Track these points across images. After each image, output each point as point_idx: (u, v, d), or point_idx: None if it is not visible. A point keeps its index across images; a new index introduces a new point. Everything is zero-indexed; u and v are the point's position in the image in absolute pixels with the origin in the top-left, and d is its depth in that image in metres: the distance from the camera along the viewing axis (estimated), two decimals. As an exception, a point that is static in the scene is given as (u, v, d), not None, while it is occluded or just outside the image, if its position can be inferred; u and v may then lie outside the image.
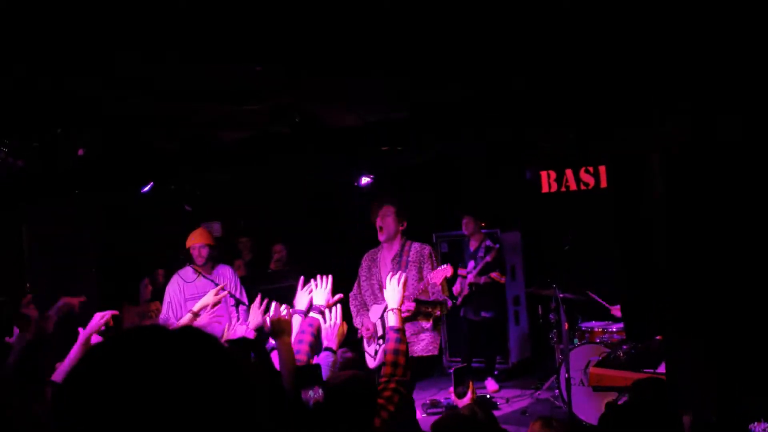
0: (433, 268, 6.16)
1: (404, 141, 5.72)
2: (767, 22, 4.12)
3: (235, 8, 3.15)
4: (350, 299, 6.50)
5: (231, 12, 3.24)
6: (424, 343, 6.30)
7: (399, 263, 6.24)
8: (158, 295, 7.99)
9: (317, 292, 4.41)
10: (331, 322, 4.31)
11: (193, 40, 3.52)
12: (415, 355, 6.14)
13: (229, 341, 3.22)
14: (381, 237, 6.34)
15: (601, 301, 7.75)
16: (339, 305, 4.33)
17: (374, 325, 6.32)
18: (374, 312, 6.39)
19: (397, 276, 4.33)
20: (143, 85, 4.21)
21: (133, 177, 5.95)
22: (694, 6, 4.01)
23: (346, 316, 4.21)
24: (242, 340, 3.64)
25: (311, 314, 4.47)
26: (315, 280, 4.43)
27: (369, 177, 8.89)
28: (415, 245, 6.31)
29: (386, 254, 6.40)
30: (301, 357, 4.11)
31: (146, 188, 6.28)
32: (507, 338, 9.30)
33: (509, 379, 9.06)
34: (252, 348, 3.04)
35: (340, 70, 4.06)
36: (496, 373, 9.00)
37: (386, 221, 6.26)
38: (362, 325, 6.39)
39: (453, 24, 3.57)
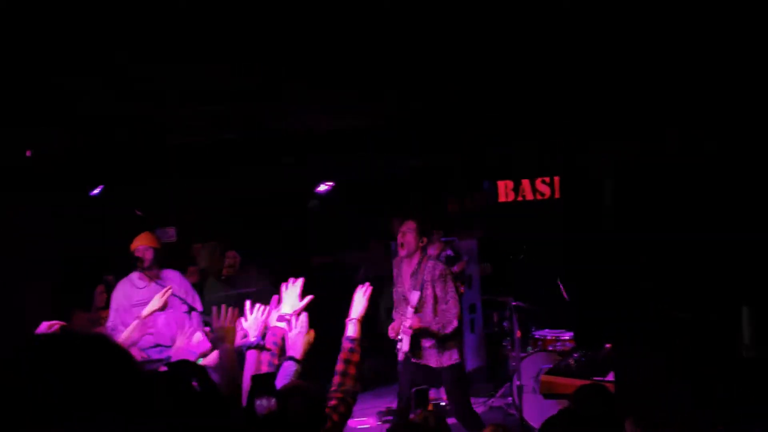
0: (445, 288, 6.29)
1: (363, 149, 5.74)
2: (698, 60, 4.25)
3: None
4: None
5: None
6: (447, 353, 6.43)
7: (416, 280, 6.35)
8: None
9: (286, 297, 4.32)
10: (297, 330, 4.28)
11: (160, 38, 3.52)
12: (444, 365, 6.37)
13: (170, 365, 3.18)
14: (402, 252, 6.40)
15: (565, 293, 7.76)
16: (305, 313, 4.25)
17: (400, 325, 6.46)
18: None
19: (363, 289, 4.33)
20: (107, 78, 4.17)
21: (82, 179, 5.88)
22: (637, 41, 4.10)
23: (314, 323, 4.18)
24: (183, 366, 3.60)
25: (275, 323, 4.43)
26: (285, 284, 4.35)
27: (328, 184, 8.91)
28: (429, 264, 6.36)
29: (407, 268, 6.45)
30: (263, 368, 4.10)
31: (96, 191, 6.20)
32: (462, 346, 9.36)
33: (464, 387, 9.10)
34: (194, 374, 2.99)
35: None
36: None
37: (407, 237, 6.32)
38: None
39: (402, 38, 3.61)
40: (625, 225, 5.01)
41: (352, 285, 4.49)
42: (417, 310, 6.29)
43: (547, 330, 7.99)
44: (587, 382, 6.26)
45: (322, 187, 8.98)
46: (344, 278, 8.61)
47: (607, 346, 6.37)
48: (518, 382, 7.09)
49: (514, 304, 7.54)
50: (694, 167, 4.88)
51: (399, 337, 6.43)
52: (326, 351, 4.31)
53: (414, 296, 6.31)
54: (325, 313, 4.84)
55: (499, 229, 9.27)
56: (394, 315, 6.66)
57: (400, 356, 6.50)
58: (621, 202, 5.02)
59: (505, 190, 9.01)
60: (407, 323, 6.28)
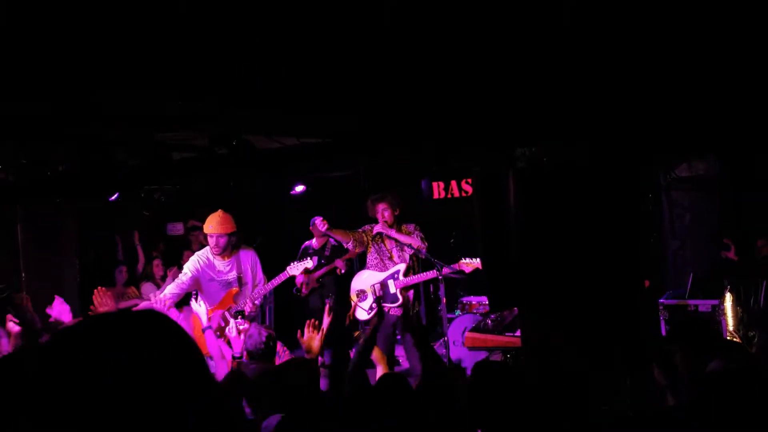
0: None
1: (322, 161, 5.62)
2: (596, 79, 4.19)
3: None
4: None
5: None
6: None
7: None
8: (133, 281, 7.82)
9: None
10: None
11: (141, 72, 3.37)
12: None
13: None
14: (379, 226, 6.37)
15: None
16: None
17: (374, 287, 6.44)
18: (374, 277, 6.45)
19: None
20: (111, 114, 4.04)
21: (102, 188, 5.71)
22: (544, 54, 3.97)
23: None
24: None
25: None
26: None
27: (302, 186, 8.79)
28: (410, 227, 6.49)
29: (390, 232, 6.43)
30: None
31: (113, 197, 6.03)
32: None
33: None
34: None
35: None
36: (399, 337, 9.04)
37: (386, 215, 6.33)
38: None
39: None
40: (524, 219, 4.97)
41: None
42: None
43: (472, 297, 8.01)
44: (501, 336, 6.28)
45: (298, 188, 8.84)
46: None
47: (515, 309, 6.40)
48: (446, 339, 7.09)
49: (443, 276, 7.51)
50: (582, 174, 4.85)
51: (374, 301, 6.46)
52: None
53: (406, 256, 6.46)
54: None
55: (434, 220, 9.25)
56: (370, 277, 6.54)
57: (362, 316, 6.51)
58: (522, 201, 4.95)
59: (437, 189, 9.01)
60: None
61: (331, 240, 8.16)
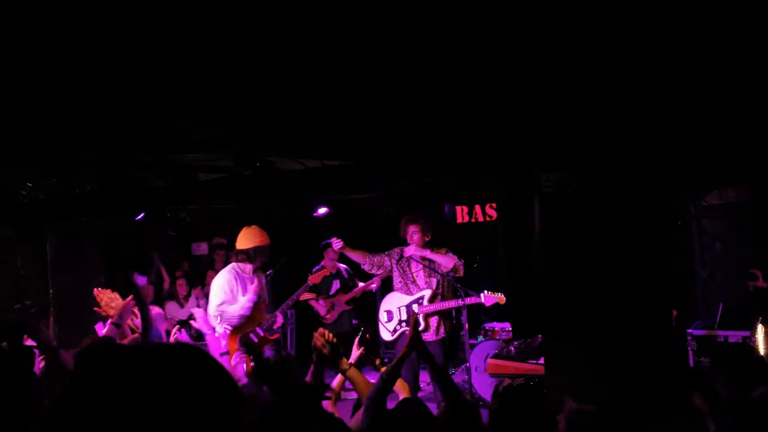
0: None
1: (345, 183, 5.62)
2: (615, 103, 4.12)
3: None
4: (370, 257, 6.49)
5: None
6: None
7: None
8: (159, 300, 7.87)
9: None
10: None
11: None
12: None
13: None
14: (411, 248, 6.34)
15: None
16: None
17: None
18: (401, 300, 6.40)
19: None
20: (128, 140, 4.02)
21: (129, 208, 5.77)
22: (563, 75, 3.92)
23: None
24: None
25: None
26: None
27: (325, 208, 8.78)
28: (437, 253, 6.41)
29: (415, 256, 6.40)
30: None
31: (139, 217, 6.09)
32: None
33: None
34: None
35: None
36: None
37: (414, 238, 6.31)
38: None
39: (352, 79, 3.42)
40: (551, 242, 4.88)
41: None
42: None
43: (495, 323, 7.89)
44: (524, 364, 6.16)
45: (321, 210, 8.82)
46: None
47: (539, 337, 6.27)
48: (469, 364, 6.99)
49: (469, 302, 7.41)
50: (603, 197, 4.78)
51: (399, 323, 6.41)
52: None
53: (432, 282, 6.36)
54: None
55: (457, 244, 9.18)
56: (394, 299, 6.47)
57: (386, 336, 6.48)
58: (548, 226, 4.87)
59: (461, 214, 8.96)
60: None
61: (341, 266, 8.06)
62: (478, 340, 7.64)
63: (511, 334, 7.41)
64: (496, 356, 6.40)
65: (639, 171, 4.57)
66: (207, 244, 9.08)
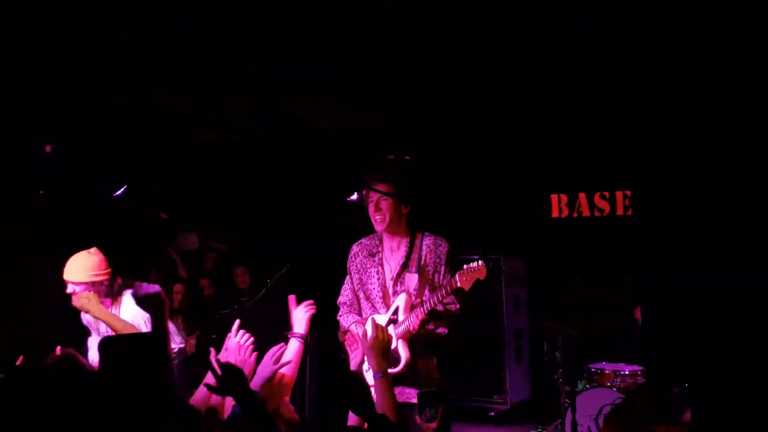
0: (450, 270, 4.95)
1: (406, 150, 5.41)
2: None
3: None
4: (340, 306, 5.39)
5: None
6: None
7: (408, 264, 5.07)
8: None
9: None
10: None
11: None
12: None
13: None
14: (378, 227, 5.11)
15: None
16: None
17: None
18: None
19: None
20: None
21: (105, 178, 5.65)
22: None
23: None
24: None
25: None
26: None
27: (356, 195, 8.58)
28: (428, 240, 5.10)
29: (389, 252, 5.19)
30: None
31: (119, 192, 5.93)
32: (505, 377, 9.01)
33: (507, 422, 8.79)
34: None
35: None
36: (492, 414, 8.76)
37: (381, 205, 5.04)
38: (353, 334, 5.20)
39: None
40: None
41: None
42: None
43: (605, 363, 7.61)
44: (659, 426, 5.92)
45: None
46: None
47: (675, 389, 6.02)
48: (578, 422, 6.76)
49: (568, 332, 7.18)
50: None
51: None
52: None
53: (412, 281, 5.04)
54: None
55: (550, 247, 8.95)
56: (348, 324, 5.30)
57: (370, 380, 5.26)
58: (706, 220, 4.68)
59: (558, 205, 8.72)
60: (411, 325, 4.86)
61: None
62: (580, 386, 7.38)
63: (627, 380, 7.16)
64: (616, 411, 6.15)
65: None
66: (196, 235, 8.99)
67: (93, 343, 5.62)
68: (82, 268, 5.34)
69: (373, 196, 5.04)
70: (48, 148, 5.45)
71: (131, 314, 5.41)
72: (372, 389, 4.54)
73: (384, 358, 4.09)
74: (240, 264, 8.77)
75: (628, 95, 4.45)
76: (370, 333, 4.27)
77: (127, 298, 5.49)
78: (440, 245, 5.06)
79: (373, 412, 3.56)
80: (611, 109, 4.78)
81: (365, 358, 4.87)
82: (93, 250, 5.41)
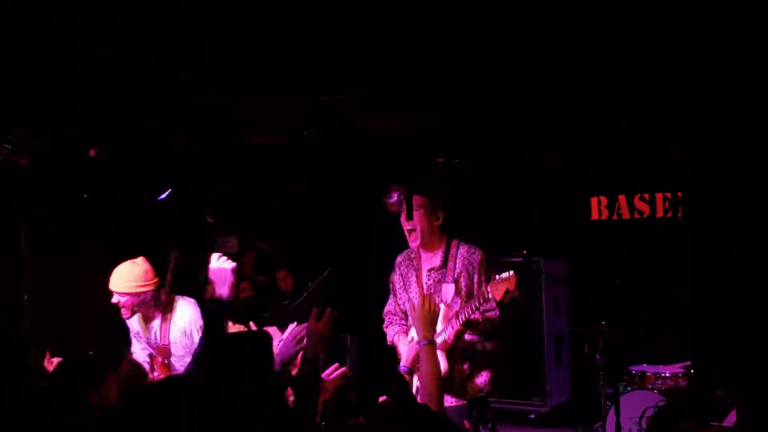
0: (484, 279, 4.97)
1: (457, 153, 5.44)
2: None
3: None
4: (384, 317, 5.48)
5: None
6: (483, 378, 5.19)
7: (444, 274, 5.11)
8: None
9: None
10: None
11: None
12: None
13: None
14: (413, 244, 5.19)
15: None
16: None
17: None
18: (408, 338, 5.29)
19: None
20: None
21: (150, 182, 5.71)
22: None
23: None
24: None
25: None
26: None
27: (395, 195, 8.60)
28: (462, 249, 5.14)
29: (426, 263, 5.25)
30: None
31: (163, 195, 5.97)
32: (545, 379, 8.99)
33: (547, 424, 8.76)
34: None
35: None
36: (532, 416, 8.73)
37: (413, 215, 5.07)
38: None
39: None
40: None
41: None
42: None
43: (645, 365, 7.58)
44: (704, 429, 5.89)
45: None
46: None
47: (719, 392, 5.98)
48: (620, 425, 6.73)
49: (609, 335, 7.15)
50: None
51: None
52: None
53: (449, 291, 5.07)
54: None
55: (590, 249, 8.92)
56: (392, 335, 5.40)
57: None
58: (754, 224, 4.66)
59: (598, 207, 8.71)
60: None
61: None
62: (621, 389, 7.34)
63: (668, 381, 7.12)
64: (660, 413, 6.14)
65: None
66: (236, 239, 9.02)
67: (137, 348, 5.58)
68: (126, 278, 5.18)
69: (404, 206, 5.05)
70: (92, 152, 5.51)
71: (186, 321, 5.30)
72: (415, 390, 4.67)
73: (431, 327, 4.15)
74: (281, 267, 8.86)
75: (677, 95, 4.43)
76: (417, 304, 4.28)
77: (181, 304, 5.38)
78: (474, 253, 5.12)
79: (414, 403, 3.61)
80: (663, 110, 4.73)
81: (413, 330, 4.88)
82: (140, 260, 5.28)
